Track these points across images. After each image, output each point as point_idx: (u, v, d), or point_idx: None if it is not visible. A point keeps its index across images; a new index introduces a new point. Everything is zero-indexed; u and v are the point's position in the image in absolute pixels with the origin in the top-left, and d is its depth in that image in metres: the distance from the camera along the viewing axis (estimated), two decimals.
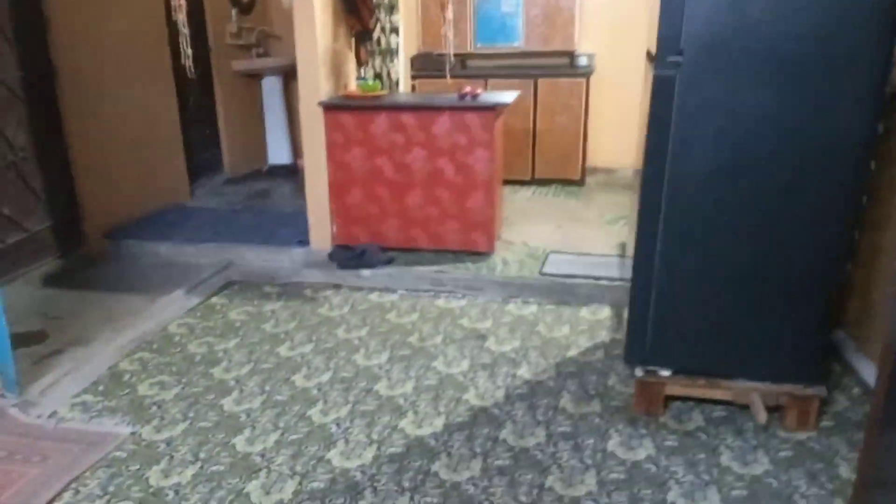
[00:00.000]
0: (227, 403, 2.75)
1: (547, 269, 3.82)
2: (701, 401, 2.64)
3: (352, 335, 3.32)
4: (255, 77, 6.08)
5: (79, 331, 3.39)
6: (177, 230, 4.54)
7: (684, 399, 2.66)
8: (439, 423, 2.59)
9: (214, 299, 3.79)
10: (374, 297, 3.77)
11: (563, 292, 3.67)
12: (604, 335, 3.27)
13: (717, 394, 2.55)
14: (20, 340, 3.21)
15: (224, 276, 4.08)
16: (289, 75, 5.87)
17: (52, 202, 3.99)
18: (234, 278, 4.06)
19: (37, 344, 3.23)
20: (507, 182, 5.26)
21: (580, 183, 5.72)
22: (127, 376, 2.98)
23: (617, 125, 6.06)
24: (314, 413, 2.67)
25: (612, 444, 2.45)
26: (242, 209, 5.17)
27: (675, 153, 2.33)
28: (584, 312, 3.53)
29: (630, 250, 3.44)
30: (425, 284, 3.83)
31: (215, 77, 5.70)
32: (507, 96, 4.01)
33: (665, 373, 2.53)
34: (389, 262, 3.99)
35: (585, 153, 5.69)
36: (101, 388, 2.89)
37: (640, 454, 2.39)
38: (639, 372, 2.56)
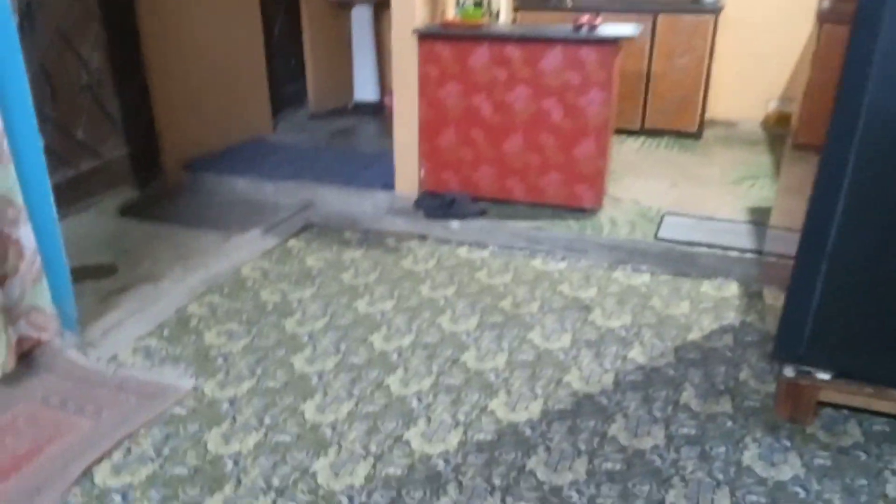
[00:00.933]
0: (298, 362, 2.46)
1: (663, 234, 3.32)
2: (857, 410, 2.14)
3: (437, 294, 2.96)
4: (344, 6, 5.67)
5: (149, 266, 3.20)
6: (257, 165, 4.29)
7: (837, 406, 2.17)
8: (536, 408, 2.21)
9: (292, 242, 3.51)
10: (462, 251, 3.39)
11: (682, 262, 3.17)
12: (732, 317, 2.77)
13: (885, 406, 2.04)
14: (89, 273, 3.04)
15: (303, 217, 3.80)
16: (380, 5, 5.43)
17: (130, 130, 3.79)
18: (313, 221, 3.76)
19: (105, 278, 3.05)
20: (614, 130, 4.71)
21: (697, 136, 5.08)
22: (195, 321, 2.74)
23: (744, 73, 5.34)
24: (393, 382, 2.35)
25: (749, 456, 2.00)
26: (325, 147, 4.87)
27: (874, 102, 1.78)
28: (707, 287, 3.03)
29: (774, 219, 2.92)
30: (520, 242, 3.41)
31: (303, 5, 5.33)
32: (630, 29, 3.45)
33: (824, 375, 2.04)
34: (481, 213, 3.59)
35: (705, 103, 5.02)
36: (166, 332, 2.66)
37: (785, 473, 1.93)
38: (789, 371, 2.08)
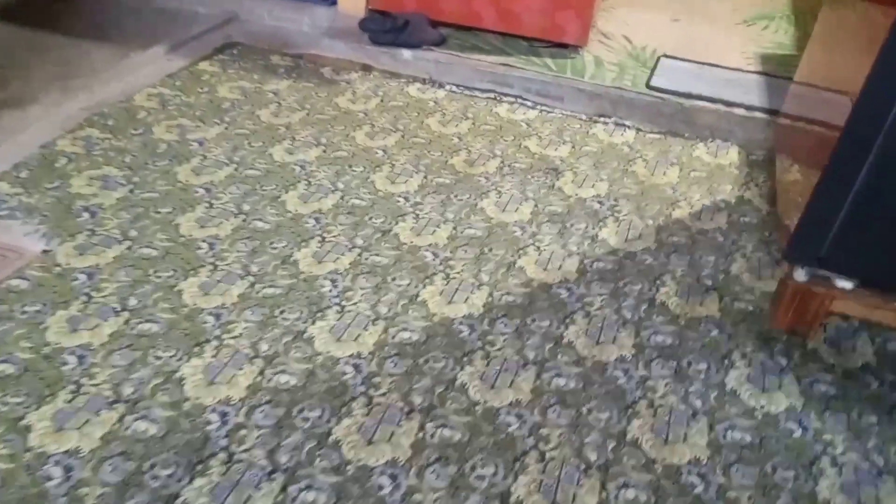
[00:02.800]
0: (187, 224, 1.94)
1: (656, 81, 2.72)
2: (873, 324, 1.75)
3: (375, 143, 2.40)
4: None
5: (21, 86, 2.54)
6: None
7: (844, 316, 1.77)
8: (479, 300, 1.77)
9: (204, 65, 2.83)
10: (412, 89, 2.77)
11: (676, 118, 2.62)
12: (728, 191, 2.29)
13: None
14: None
15: (223, 33, 3.08)
16: None
17: None
18: (234, 38, 3.06)
19: None
20: None
21: None
22: (62, 162, 2.16)
23: None
24: (304, 257, 1.86)
25: (735, 377, 1.61)
26: None
27: None
28: (702, 151, 2.51)
29: (796, 73, 2.32)
30: (485, 82, 2.80)
31: None
32: None
33: (846, 284, 1.60)
34: (440, 42, 2.92)
35: None
36: (23, 174, 2.09)
37: (778, 402, 1.56)
38: (800, 275, 1.63)
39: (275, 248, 1.88)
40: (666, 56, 2.96)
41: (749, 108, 2.58)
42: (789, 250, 1.63)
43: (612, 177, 2.32)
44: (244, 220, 1.97)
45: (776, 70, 2.91)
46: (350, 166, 2.25)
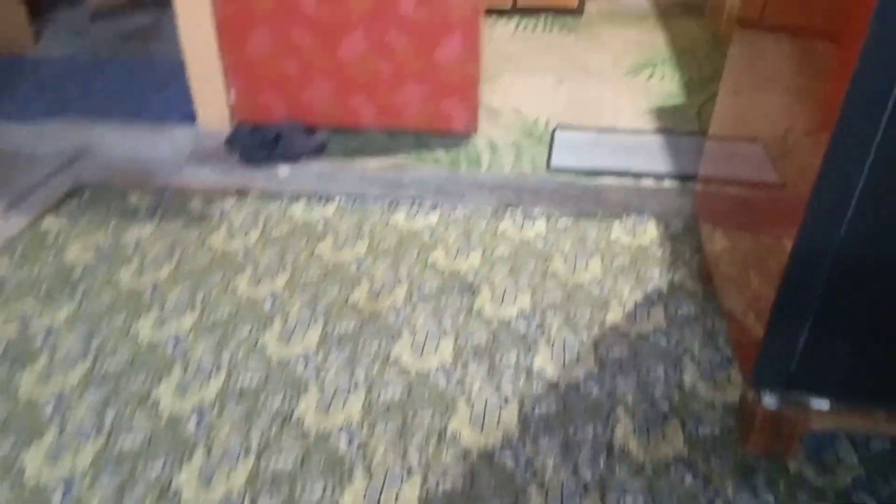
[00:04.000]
0: (32, 464, 1.55)
1: (557, 161, 2.54)
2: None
3: (261, 290, 2.07)
4: None
5: None
6: (3, 99, 3.04)
7: None
8: (410, 493, 1.46)
9: (49, 220, 2.43)
10: (297, 210, 2.47)
11: (584, 198, 2.44)
12: (657, 277, 2.10)
13: None
14: None
15: (70, 175, 2.68)
16: None
17: None
18: (84, 179, 2.67)
19: None
20: None
21: (578, 11, 4.24)
22: None
23: None
24: (188, 478, 1.50)
25: None
26: (109, 60, 3.61)
27: None
28: (619, 232, 2.33)
29: (680, 122, 2.14)
30: (377, 188, 2.53)
31: None
32: None
33: (821, 405, 1.40)
34: (320, 150, 2.64)
35: None
36: None
37: None
38: (770, 401, 1.43)
39: (149, 474, 1.51)
40: (560, 127, 2.80)
41: (657, 176, 2.43)
42: (754, 375, 1.42)
43: (533, 283, 2.09)
44: (106, 444, 1.59)
45: (672, 124, 2.80)
46: (234, 330, 1.91)
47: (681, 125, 2.80)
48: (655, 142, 2.66)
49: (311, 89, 2.65)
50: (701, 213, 2.23)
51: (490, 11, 4.16)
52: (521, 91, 3.16)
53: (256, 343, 1.87)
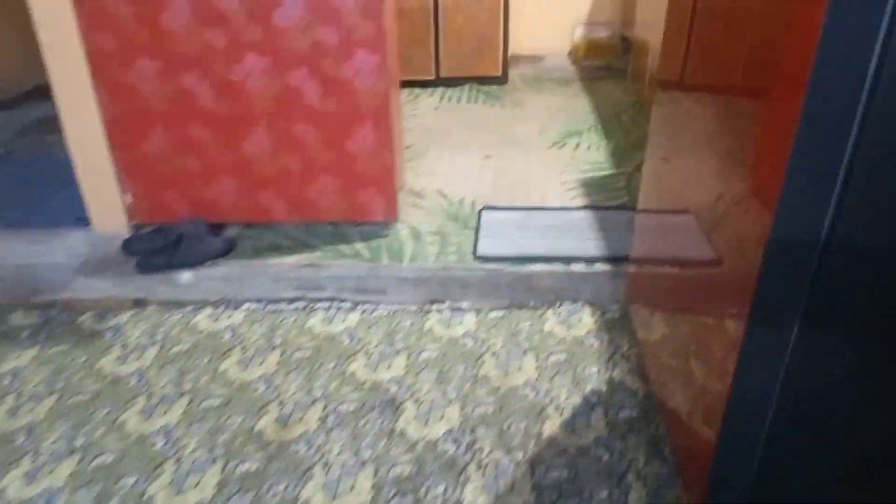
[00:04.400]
0: None
1: (484, 248, 2.39)
2: None
3: (153, 425, 1.82)
4: None
5: None
6: None
7: None
8: None
9: None
10: (201, 320, 2.24)
11: (515, 287, 2.29)
12: (595, 377, 1.94)
13: None
14: None
15: None
16: None
17: None
18: None
19: None
20: (402, 84, 3.71)
21: (502, 80, 4.21)
22: None
23: None
24: None
25: None
26: (4, 155, 3.36)
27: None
28: (553, 322, 2.18)
29: (642, 198, 2.01)
30: (291, 289, 2.33)
31: None
32: None
33: None
34: (227, 250, 2.43)
35: (507, 38, 4.13)
36: None
37: None
38: None
39: None
40: (487, 208, 2.66)
41: (588, 260, 2.30)
42: (706, 495, 1.25)
43: (462, 391, 1.90)
44: None
45: (601, 197, 2.71)
46: (117, 482, 1.65)
47: (610, 198, 2.71)
48: (585, 220, 2.54)
49: (216, 186, 2.46)
50: (634, 297, 2.10)
51: (413, 83, 4.09)
52: (447, 169, 3.03)
53: (143, 496, 1.61)
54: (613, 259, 2.29)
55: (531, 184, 2.88)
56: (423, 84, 4.13)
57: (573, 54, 4.65)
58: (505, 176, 2.96)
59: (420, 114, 3.72)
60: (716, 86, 1.44)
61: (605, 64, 4.50)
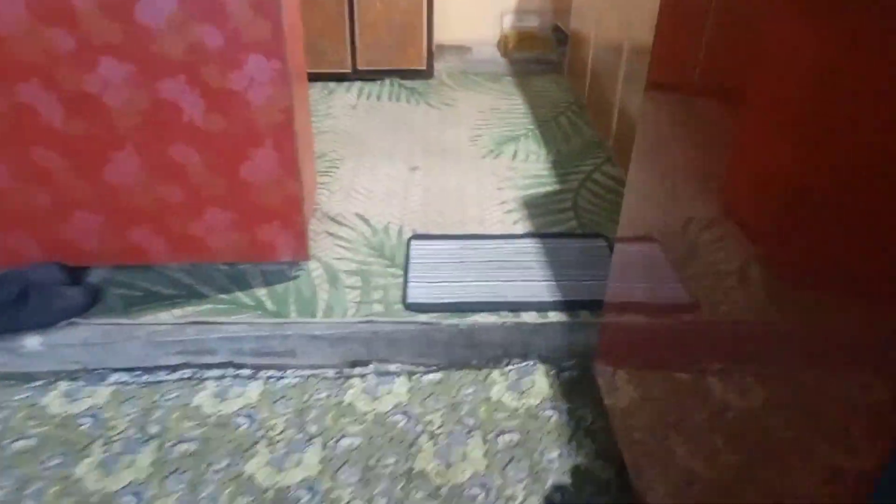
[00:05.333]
0: None
1: (416, 295, 1.98)
2: None
3: None
4: None
5: None
6: None
7: None
8: None
9: None
10: (53, 401, 1.74)
11: (454, 343, 1.90)
12: (557, 463, 1.59)
13: None
14: None
15: None
16: None
17: None
18: None
19: None
20: (313, 77, 3.25)
21: (427, 74, 3.78)
22: None
23: None
24: None
25: None
26: None
27: None
28: (501, 387, 1.81)
29: (622, 228, 1.59)
30: (171, 355, 1.85)
31: None
32: None
33: None
34: (88, 304, 1.92)
35: (432, 27, 3.70)
36: None
37: None
38: None
39: None
40: (416, 237, 2.26)
41: (540, 307, 1.94)
42: None
43: (394, 498, 1.50)
44: None
45: (547, 223, 2.35)
46: None
47: (557, 221, 2.36)
48: (531, 251, 2.18)
49: (73, 223, 1.93)
50: (605, 353, 1.74)
51: (329, 76, 3.61)
52: (367, 185, 2.60)
53: None
54: (569, 304, 1.94)
55: (466, 203, 2.49)
56: (339, 78, 3.65)
57: (502, 45, 4.26)
58: (435, 193, 2.56)
59: (335, 114, 3.26)
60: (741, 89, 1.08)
61: (537, 57, 4.14)
